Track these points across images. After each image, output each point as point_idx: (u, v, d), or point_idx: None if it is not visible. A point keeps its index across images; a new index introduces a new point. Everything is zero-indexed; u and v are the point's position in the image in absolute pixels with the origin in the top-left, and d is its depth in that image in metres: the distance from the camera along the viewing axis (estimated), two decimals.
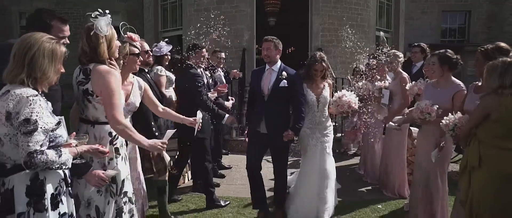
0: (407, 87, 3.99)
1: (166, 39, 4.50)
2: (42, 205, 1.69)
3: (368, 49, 5.76)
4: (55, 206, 1.74)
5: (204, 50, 4.21)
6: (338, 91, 3.70)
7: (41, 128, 1.65)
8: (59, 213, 1.77)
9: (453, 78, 3.23)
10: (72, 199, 1.92)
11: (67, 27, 2.46)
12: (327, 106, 3.70)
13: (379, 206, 4.12)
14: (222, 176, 5.14)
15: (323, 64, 3.60)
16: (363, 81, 4.82)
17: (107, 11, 2.41)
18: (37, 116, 1.64)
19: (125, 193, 2.31)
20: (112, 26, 2.48)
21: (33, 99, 1.66)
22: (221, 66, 5.64)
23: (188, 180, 4.95)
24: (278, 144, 3.56)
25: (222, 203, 4.07)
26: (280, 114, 3.56)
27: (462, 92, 3.10)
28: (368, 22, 9.07)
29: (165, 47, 4.35)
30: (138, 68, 2.93)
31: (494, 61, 2.52)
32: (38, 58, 1.73)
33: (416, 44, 5.29)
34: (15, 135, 1.66)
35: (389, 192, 4.44)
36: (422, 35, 12.29)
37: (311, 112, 3.66)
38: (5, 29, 12.53)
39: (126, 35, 3.03)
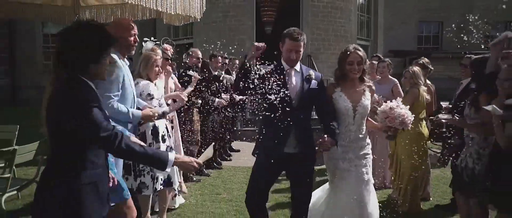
0: None
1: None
2: (158, 139, 3.24)
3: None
4: (163, 141, 3.29)
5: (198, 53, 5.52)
6: (388, 101, 2.93)
7: (155, 96, 3.21)
8: (167, 145, 3.31)
9: (389, 76, 4.82)
10: (172, 138, 3.44)
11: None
12: (365, 118, 2.90)
13: None
14: (230, 155, 6.65)
15: (359, 53, 2.78)
16: None
17: (153, 38, 4.01)
18: (152, 91, 3.19)
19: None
20: (155, 47, 4.02)
21: (149, 85, 3.20)
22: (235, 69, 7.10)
23: None
24: (306, 166, 2.77)
25: None
26: (308, 125, 2.81)
27: (397, 85, 4.69)
28: (350, 33, 10.69)
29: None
30: (170, 69, 4.34)
31: (411, 68, 4.11)
32: (142, 62, 3.24)
33: (374, 54, 6.95)
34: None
35: None
36: (402, 42, 13.93)
37: (343, 125, 2.81)
38: (28, 33, 13.77)
39: (163, 46, 4.54)
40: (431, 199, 4.46)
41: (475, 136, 2.96)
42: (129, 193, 2.51)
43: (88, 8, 3.14)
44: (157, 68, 3.31)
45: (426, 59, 4.53)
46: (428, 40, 15.09)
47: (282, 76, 2.66)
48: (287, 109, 2.60)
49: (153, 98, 3.21)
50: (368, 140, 2.94)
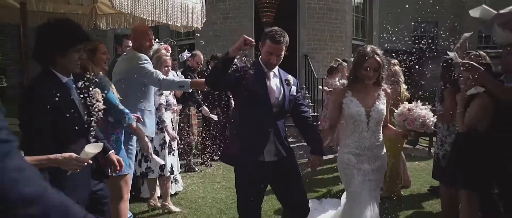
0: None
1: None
2: (163, 130, 3.75)
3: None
4: (167, 132, 3.74)
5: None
6: (405, 103, 2.71)
7: (164, 93, 3.67)
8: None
9: None
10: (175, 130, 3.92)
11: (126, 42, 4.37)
12: (381, 124, 2.68)
13: None
14: None
15: (377, 59, 2.53)
16: (336, 79, 6.83)
17: (158, 40, 4.41)
18: None
19: None
20: (161, 46, 4.43)
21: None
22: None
23: None
24: (290, 170, 2.58)
25: None
26: (285, 131, 2.61)
27: None
28: (346, 33, 11.11)
29: (185, 55, 6.33)
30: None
31: (392, 67, 4.55)
32: (153, 62, 3.69)
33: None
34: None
35: None
36: (397, 42, 14.36)
37: (357, 131, 2.62)
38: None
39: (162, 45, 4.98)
40: (411, 186, 4.91)
41: (440, 125, 3.41)
42: (129, 170, 2.90)
43: (104, 16, 3.58)
44: (166, 68, 3.76)
45: (396, 61, 5.00)
46: (423, 39, 15.51)
47: (261, 79, 2.45)
48: (266, 114, 2.43)
49: (162, 94, 3.66)
50: (384, 150, 2.73)
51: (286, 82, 2.55)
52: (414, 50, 13.63)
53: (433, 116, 2.56)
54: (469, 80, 3.06)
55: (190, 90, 3.43)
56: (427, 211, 4.13)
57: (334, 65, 6.97)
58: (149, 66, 3.10)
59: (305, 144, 2.75)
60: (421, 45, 15.27)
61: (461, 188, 3.05)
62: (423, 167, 6.03)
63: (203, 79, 2.97)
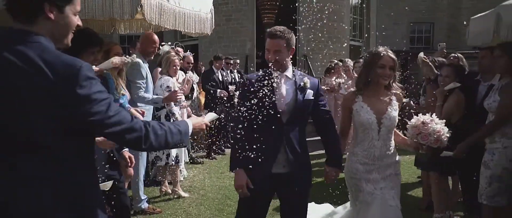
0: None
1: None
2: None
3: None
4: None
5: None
6: (420, 115, 2.52)
7: (172, 89, 4.02)
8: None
9: None
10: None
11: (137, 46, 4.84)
12: (393, 132, 2.53)
13: None
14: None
15: (393, 57, 2.39)
16: (333, 78, 7.25)
17: (170, 43, 4.84)
18: (170, 85, 4.03)
19: None
20: (171, 49, 4.84)
21: (169, 79, 4.06)
22: (236, 69, 7.92)
23: None
24: (299, 188, 2.32)
25: None
26: (302, 141, 2.35)
27: None
28: (343, 34, 11.54)
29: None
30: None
31: None
32: (163, 62, 4.11)
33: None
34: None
35: None
36: (394, 43, 14.72)
37: (367, 140, 2.46)
38: None
39: (175, 48, 5.42)
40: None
41: None
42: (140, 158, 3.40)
43: (122, 22, 4.00)
44: (174, 67, 4.18)
45: None
46: (419, 40, 15.92)
47: (269, 84, 2.23)
48: (273, 123, 2.19)
49: (170, 90, 4.09)
50: (397, 157, 2.54)
51: (301, 87, 2.31)
52: (409, 53, 14.07)
53: (448, 131, 2.45)
54: (447, 78, 3.52)
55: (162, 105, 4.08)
56: (411, 196, 4.58)
57: (332, 65, 7.39)
58: (140, 76, 3.58)
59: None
60: (417, 46, 15.71)
61: (436, 172, 3.51)
62: (414, 160, 6.44)
63: (176, 95, 3.79)
